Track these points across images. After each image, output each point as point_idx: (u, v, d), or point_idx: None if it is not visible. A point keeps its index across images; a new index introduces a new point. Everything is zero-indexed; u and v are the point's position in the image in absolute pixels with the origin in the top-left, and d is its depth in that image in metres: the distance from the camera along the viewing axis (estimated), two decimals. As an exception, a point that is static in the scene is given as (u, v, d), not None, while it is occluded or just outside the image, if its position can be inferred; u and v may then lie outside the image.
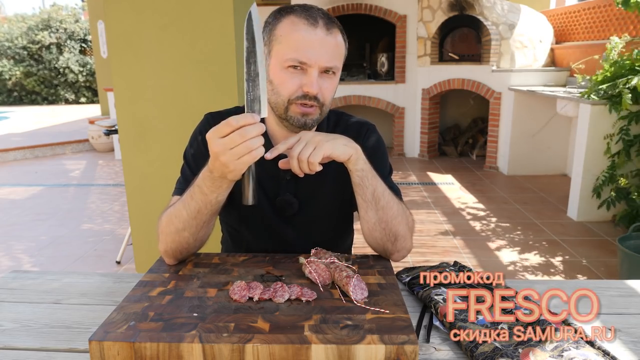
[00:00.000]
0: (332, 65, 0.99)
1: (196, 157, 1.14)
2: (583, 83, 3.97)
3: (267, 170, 1.12)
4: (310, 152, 0.90)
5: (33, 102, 13.54)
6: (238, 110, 1.18)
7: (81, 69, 13.31)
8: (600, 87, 3.37)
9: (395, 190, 1.16)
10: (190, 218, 0.97)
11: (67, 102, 13.57)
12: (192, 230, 0.99)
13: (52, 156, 6.90)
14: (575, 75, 4.19)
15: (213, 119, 1.16)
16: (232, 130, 0.82)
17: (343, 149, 0.94)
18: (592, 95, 3.44)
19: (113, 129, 3.66)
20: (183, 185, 1.12)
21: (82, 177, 5.62)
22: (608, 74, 3.40)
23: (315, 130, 1.14)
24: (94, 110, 10.83)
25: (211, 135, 0.84)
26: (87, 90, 13.67)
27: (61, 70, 13.16)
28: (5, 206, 4.43)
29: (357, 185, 1.00)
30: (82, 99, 13.61)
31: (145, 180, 2.31)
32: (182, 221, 0.98)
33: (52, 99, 13.56)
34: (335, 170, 1.15)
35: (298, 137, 0.93)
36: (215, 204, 0.97)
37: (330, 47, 0.99)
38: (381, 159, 1.17)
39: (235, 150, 0.82)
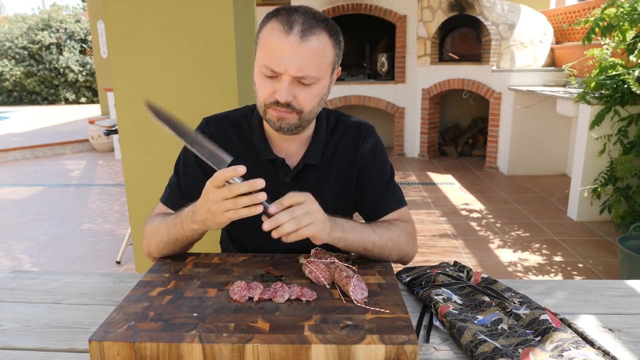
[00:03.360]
0: (303, 75, 0.95)
1: (186, 163, 1.15)
2: (575, 84, 3.98)
3: (266, 172, 1.12)
4: (303, 225, 0.89)
5: (33, 102, 13.54)
6: (236, 113, 1.19)
7: (81, 69, 13.32)
8: (603, 81, 3.36)
9: (397, 195, 1.17)
10: (170, 242, 1.04)
11: (67, 102, 13.58)
12: (171, 249, 1.06)
13: (52, 156, 6.90)
14: (569, 77, 4.20)
15: (208, 124, 1.17)
16: (222, 184, 0.87)
17: (325, 237, 0.94)
18: (587, 98, 3.45)
19: (113, 129, 3.66)
20: (168, 192, 1.16)
21: (82, 177, 5.62)
22: (601, 75, 3.40)
23: (315, 131, 1.14)
24: (94, 110, 10.84)
25: (209, 186, 0.89)
26: (87, 90, 13.68)
27: (61, 70, 13.17)
28: (5, 206, 4.43)
29: (345, 249, 1.04)
30: (82, 99, 13.62)
31: (145, 180, 2.31)
32: (163, 241, 1.05)
33: (52, 99, 13.56)
34: (337, 173, 1.15)
35: (304, 199, 0.91)
36: (190, 239, 1.04)
37: (304, 55, 0.94)
38: (381, 163, 1.17)
39: (224, 203, 0.88)
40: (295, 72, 0.95)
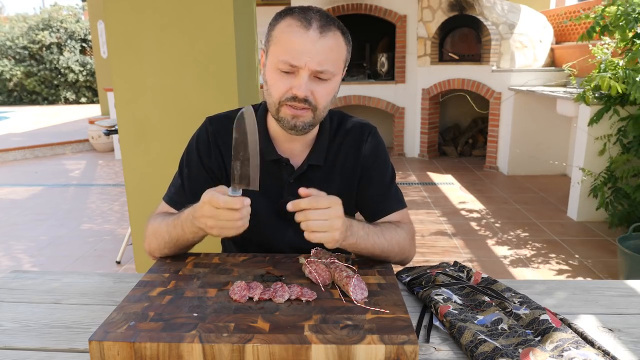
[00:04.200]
0: (322, 70, 0.97)
1: (190, 163, 1.14)
2: (575, 84, 3.97)
3: (270, 173, 1.12)
4: (318, 232, 0.88)
5: (33, 102, 13.54)
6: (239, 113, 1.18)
7: (81, 69, 13.31)
8: (602, 83, 3.35)
9: (398, 196, 1.17)
10: (171, 242, 1.04)
11: (67, 102, 13.57)
12: (172, 249, 1.06)
13: (52, 156, 6.90)
14: (570, 77, 4.20)
15: (211, 123, 1.16)
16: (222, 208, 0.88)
17: (336, 245, 0.92)
18: (587, 97, 3.44)
19: (113, 129, 3.66)
20: (172, 192, 1.15)
21: (82, 177, 5.62)
22: (601, 78, 3.39)
23: (318, 133, 1.14)
24: (94, 110, 10.84)
25: (206, 200, 0.89)
26: (87, 90, 13.68)
27: (61, 70, 13.17)
28: (5, 206, 4.43)
29: (352, 251, 1.03)
30: (82, 99, 13.62)
31: (145, 180, 2.31)
32: (164, 241, 1.05)
33: (52, 99, 13.56)
34: (340, 174, 1.15)
35: (329, 204, 0.89)
36: (191, 241, 1.04)
37: (323, 50, 0.96)
38: (383, 164, 1.17)
39: (221, 223, 0.90)
40: (315, 66, 0.96)
